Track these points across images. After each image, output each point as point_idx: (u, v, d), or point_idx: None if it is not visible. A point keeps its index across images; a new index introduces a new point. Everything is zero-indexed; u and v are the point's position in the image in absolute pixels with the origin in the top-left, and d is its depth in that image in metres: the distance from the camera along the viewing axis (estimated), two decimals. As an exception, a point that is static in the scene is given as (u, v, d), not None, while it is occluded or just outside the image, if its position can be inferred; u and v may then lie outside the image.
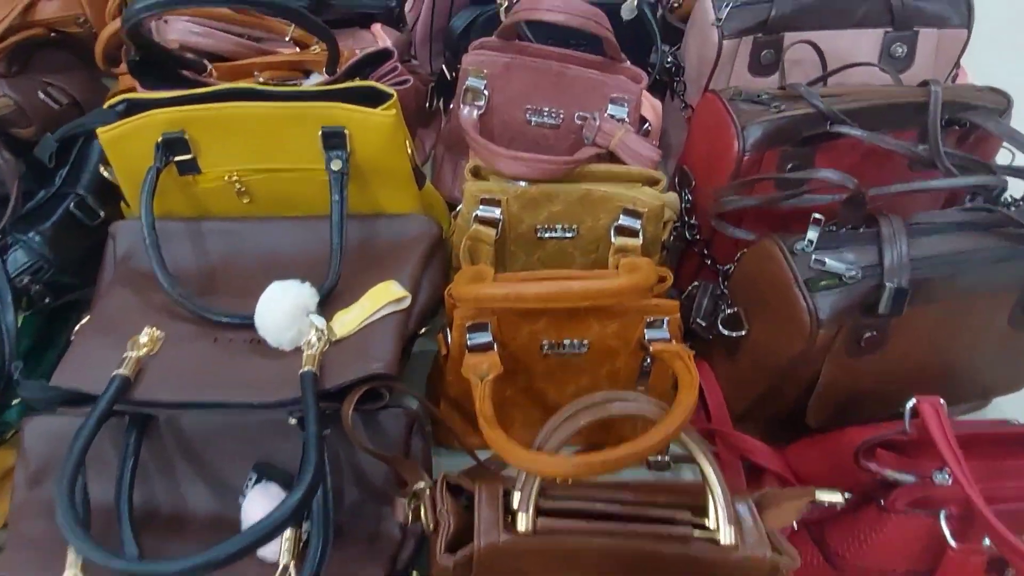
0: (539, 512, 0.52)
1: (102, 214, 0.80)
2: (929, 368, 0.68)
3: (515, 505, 0.53)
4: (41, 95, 0.84)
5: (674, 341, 0.67)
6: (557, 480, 0.55)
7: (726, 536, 0.51)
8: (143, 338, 0.65)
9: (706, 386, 0.75)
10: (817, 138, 0.71)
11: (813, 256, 0.62)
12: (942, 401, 0.57)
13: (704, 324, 0.72)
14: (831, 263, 0.61)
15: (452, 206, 0.87)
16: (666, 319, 0.67)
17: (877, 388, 0.67)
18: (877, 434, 0.59)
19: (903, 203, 0.71)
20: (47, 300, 0.76)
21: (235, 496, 0.65)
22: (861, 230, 0.65)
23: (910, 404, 0.57)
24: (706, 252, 0.81)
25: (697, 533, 0.52)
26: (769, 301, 0.65)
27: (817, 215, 0.63)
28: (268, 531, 0.49)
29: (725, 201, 0.70)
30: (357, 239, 0.77)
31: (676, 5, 0.97)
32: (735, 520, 0.52)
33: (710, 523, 0.53)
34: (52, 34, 0.90)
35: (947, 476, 0.58)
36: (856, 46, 0.86)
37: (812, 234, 0.63)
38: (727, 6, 0.84)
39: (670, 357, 0.62)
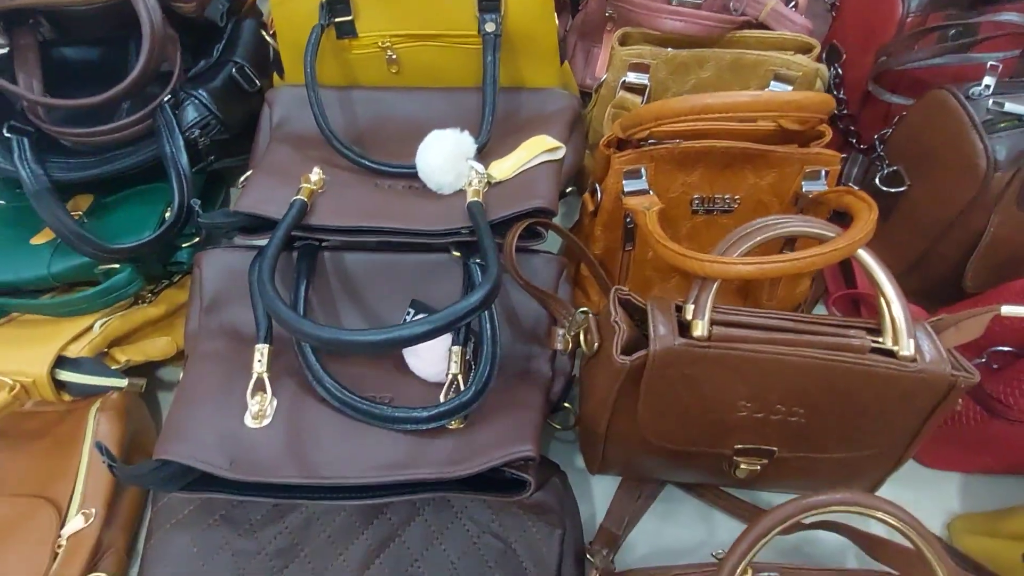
0: (713, 323, 0.53)
1: (259, 83, 0.84)
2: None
3: (688, 316, 0.53)
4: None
5: (832, 196, 0.66)
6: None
7: (905, 348, 0.51)
8: (313, 176, 0.68)
9: (854, 255, 0.74)
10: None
11: (991, 100, 0.60)
12: None
13: (857, 189, 0.71)
14: (1010, 106, 0.60)
15: (584, 95, 0.88)
16: (825, 170, 0.66)
17: (1045, 248, 0.65)
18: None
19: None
20: (211, 158, 0.80)
21: (393, 331, 0.68)
22: (1040, 80, 0.63)
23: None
24: (852, 128, 0.80)
25: (874, 345, 0.52)
26: (938, 150, 0.63)
27: (994, 62, 0.61)
28: (459, 315, 0.51)
29: (886, 60, 0.69)
30: (503, 109, 0.78)
31: None
32: (913, 334, 0.52)
33: (886, 340, 0.52)
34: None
35: None
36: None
37: (988, 80, 0.61)
38: None
39: (836, 196, 0.61)
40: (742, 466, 0.60)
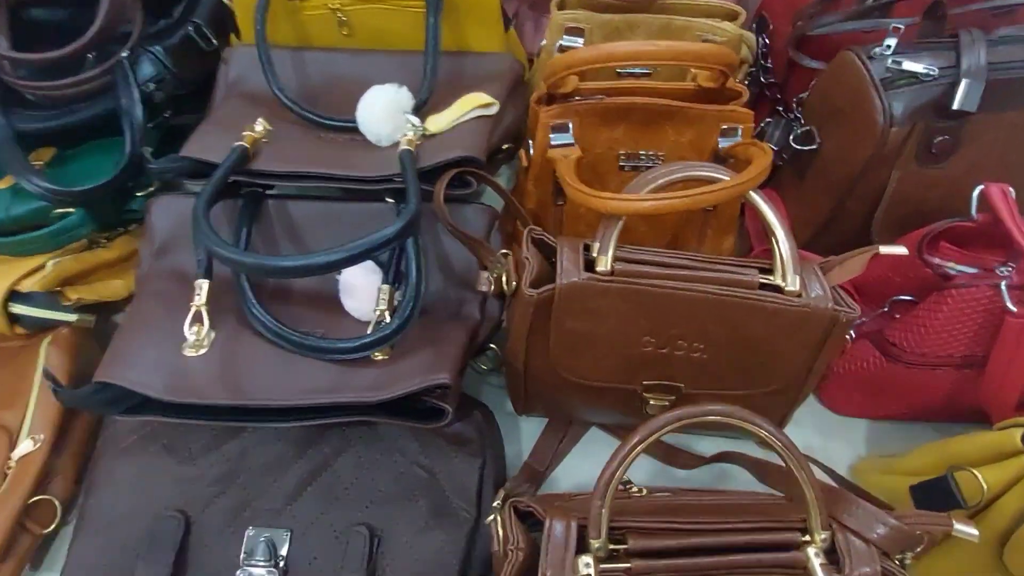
0: (616, 260, 0.57)
1: (216, 42, 0.87)
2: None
3: (595, 252, 0.57)
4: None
5: (747, 150, 0.70)
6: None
7: (790, 284, 0.55)
8: (257, 126, 0.72)
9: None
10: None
11: (890, 59, 0.64)
12: (1011, 189, 0.59)
13: (776, 149, 0.75)
14: (908, 64, 0.64)
15: (531, 63, 0.92)
16: (740, 127, 0.70)
17: (944, 204, 0.69)
18: (941, 222, 0.62)
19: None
20: (167, 114, 0.84)
21: (333, 277, 0.71)
22: (941, 39, 0.67)
23: (978, 189, 0.60)
24: (779, 96, 0.83)
25: (763, 280, 0.56)
26: (843, 108, 0.67)
27: (897, 24, 0.65)
28: (374, 244, 0.55)
29: (804, 24, 0.73)
30: (446, 71, 0.82)
31: None
32: (799, 271, 0.56)
33: (776, 277, 0.57)
34: None
35: (1009, 269, 0.61)
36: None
37: (890, 40, 0.65)
38: None
39: (744, 148, 0.65)
40: (651, 402, 0.64)
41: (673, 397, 0.64)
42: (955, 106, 0.62)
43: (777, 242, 0.55)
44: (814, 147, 0.71)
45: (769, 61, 0.83)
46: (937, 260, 0.63)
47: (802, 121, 0.74)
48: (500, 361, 0.73)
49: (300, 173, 0.68)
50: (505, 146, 0.79)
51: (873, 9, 0.70)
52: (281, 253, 0.73)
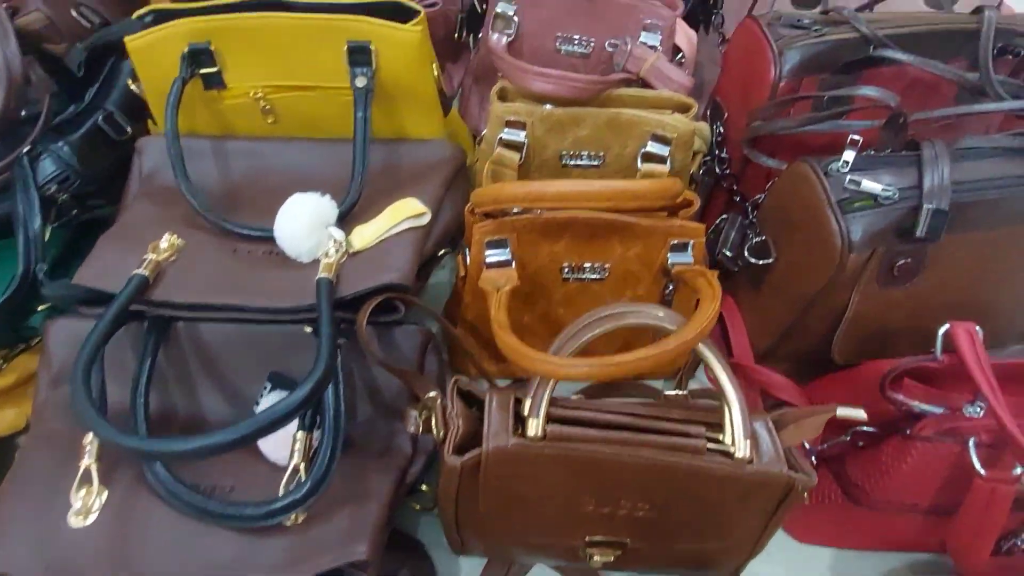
0: (550, 420, 0.51)
1: (129, 130, 0.80)
2: (965, 304, 0.65)
3: (526, 412, 0.52)
4: (73, 13, 0.84)
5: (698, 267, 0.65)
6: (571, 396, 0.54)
7: (741, 449, 0.50)
8: (163, 243, 0.65)
9: (730, 321, 0.74)
10: (859, 64, 0.68)
11: (848, 177, 0.59)
12: (978, 328, 0.55)
13: (731, 255, 0.70)
14: (867, 184, 0.59)
15: (477, 139, 0.86)
16: (691, 242, 0.65)
17: (908, 323, 0.65)
18: (904, 360, 0.57)
19: (949, 135, 0.68)
20: (74, 212, 0.77)
21: (250, 405, 0.65)
22: (902, 155, 0.62)
23: (943, 329, 0.55)
24: (735, 188, 0.78)
25: (711, 446, 0.50)
26: (799, 225, 0.62)
27: (855, 136, 0.61)
28: (273, 420, 0.49)
29: (758, 125, 0.68)
30: (380, 162, 0.76)
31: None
32: (751, 434, 0.50)
33: (725, 438, 0.51)
34: (85, -47, 0.90)
35: (978, 409, 0.56)
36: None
37: (848, 155, 0.60)
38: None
39: (692, 276, 0.60)
40: (595, 557, 0.59)
41: (619, 552, 0.58)
42: (918, 234, 0.58)
43: (728, 407, 0.50)
44: (770, 260, 0.66)
45: (724, 151, 0.78)
46: (901, 397, 0.58)
47: (757, 228, 0.68)
48: (434, 501, 0.67)
49: (205, 305, 0.61)
50: (442, 252, 0.74)
51: (830, 116, 0.65)
52: (196, 383, 0.67)
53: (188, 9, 0.71)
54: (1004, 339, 0.72)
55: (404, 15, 0.73)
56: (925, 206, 0.57)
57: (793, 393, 0.69)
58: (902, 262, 0.60)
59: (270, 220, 0.67)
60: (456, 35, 0.94)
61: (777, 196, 0.66)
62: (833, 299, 0.63)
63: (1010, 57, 0.70)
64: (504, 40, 0.83)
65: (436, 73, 0.76)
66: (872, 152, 0.63)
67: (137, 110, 0.82)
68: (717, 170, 0.78)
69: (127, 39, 0.71)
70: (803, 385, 0.71)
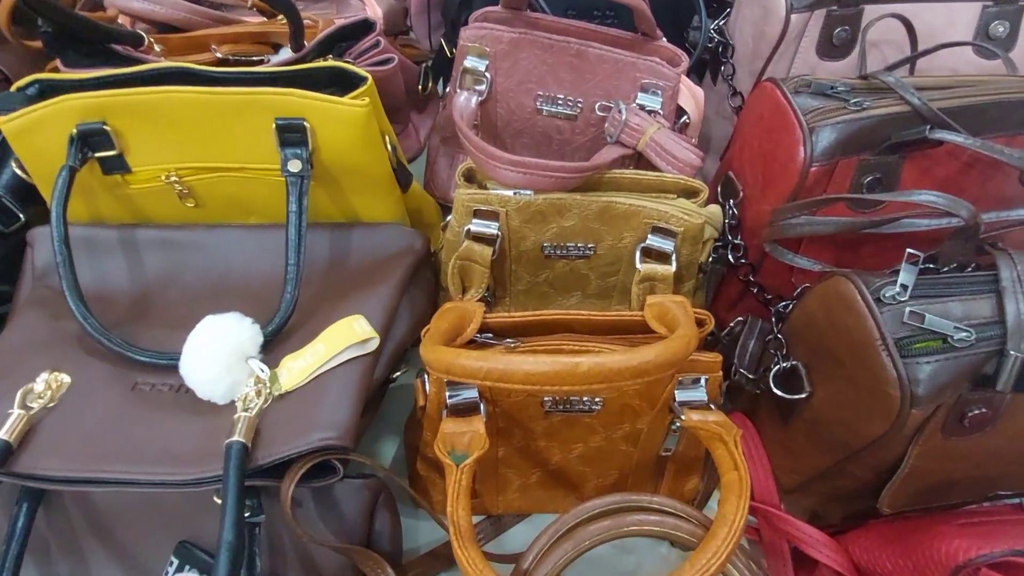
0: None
1: (22, 217, 0.66)
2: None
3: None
4: (-39, 72, 0.70)
5: (712, 406, 0.52)
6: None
7: None
8: (39, 385, 0.52)
9: (748, 451, 0.61)
10: (908, 145, 0.55)
11: (908, 309, 0.46)
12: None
13: (752, 377, 0.57)
14: (932, 319, 0.45)
15: (448, 209, 0.72)
16: (704, 378, 0.52)
17: (974, 472, 0.52)
18: (984, 554, 0.44)
19: (1018, 232, 0.55)
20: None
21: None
22: (970, 270, 0.49)
23: (1037, 523, 0.42)
24: (752, 279, 0.65)
25: None
26: (843, 360, 0.49)
27: (912, 251, 0.47)
28: None
29: (784, 225, 0.55)
30: (323, 255, 0.64)
31: (725, -32, 0.80)
32: None
33: None
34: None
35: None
36: (951, 23, 0.69)
37: (906, 277, 0.47)
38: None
39: (708, 438, 0.47)
40: None
41: None
42: (999, 388, 0.45)
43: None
44: (803, 396, 0.53)
45: (739, 237, 0.64)
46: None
47: (785, 349, 0.55)
48: None
49: (84, 479, 0.48)
50: (395, 375, 0.60)
51: (873, 224, 0.51)
52: (86, 553, 0.54)
53: (78, 80, 0.58)
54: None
55: (348, 82, 0.60)
56: (1013, 354, 0.44)
57: (829, 549, 0.56)
58: (975, 412, 0.47)
59: (184, 336, 0.54)
60: (421, 85, 0.81)
61: (811, 314, 0.53)
62: (886, 453, 0.50)
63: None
64: (474, 100, 0.69)
65: (389, 149, 0.63)
66: (933, 266, 0.50)
67: (33, 190, 0.68)
68: (730, 258, 0.65)
69: (0, 120, 0.57)
70: (840, 534, 0.58)
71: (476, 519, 0.65)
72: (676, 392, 0.52)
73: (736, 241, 0.65)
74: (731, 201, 0.65)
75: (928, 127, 0.53)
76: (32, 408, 0.50)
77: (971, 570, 0.45)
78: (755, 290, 0.66)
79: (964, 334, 0.45)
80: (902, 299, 0.47)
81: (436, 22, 0.89)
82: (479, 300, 0.63)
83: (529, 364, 0.39)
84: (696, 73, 0.85)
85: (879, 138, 0.55)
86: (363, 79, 0.59)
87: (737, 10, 0.75)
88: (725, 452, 0.44)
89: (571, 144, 0.71)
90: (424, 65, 0.80)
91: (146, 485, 0.48)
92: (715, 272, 0.69)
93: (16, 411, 0.49)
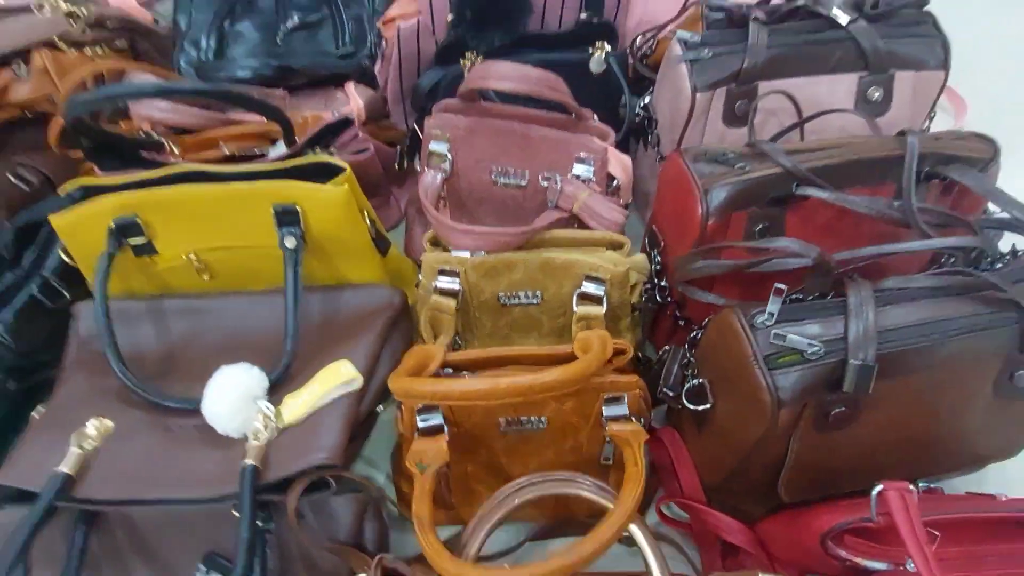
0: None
1: (68, 295, 0.80)
2: (912, 439, 0.64)
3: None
4: (11, 178, 0.85)
5: (634, 419, 0.64)
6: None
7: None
8: (90, 430, 0.64)
9: (677, 457, 0.72)
10: (782, 199, 0.68)
11: (773, 331, 0.58)
12: (911, 487, 0.53)
13: (672, 394, 0.69)
14: (792, 338, 0.58)
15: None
16: (625, 395, 0.64)
17: (855, 462, 0.63)
18: (841, 521, 0.55)
19: (881, 262, 0.67)
20: (10, 385, 0.76)
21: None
22: (829, 297, 0.62)
23: (876, 491, 0.54)
24: (680, 314, 0.78)
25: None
26: (730, 375, 0.61)
27: (779, 285, 0.60)
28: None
29: (690, 269, 0.67)
30: (317, 313, 0.76)
31: (647, 53, 0.94)
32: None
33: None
34: (27, 114, 0.91)
35: (924, 565, 0.54)
36: (832, 92, 0.83)
37: (773, 307, 0.59)
38: (699, 57, 0.80)
39: (621, 443, 0.59)
40: None
41: None
42: (846, 389, 0.56)
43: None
44: (707, 407, 0.65)
45: (664, 280, 0.77)
46: (844, 553, 0.56)
47: (695, 369, 0.67)
48: None
49: (131, 500, 0.60)
50: (380, 408, 0.73)
51: (752, 264, 0.64)
52: (128, 565, 0.65)
53: (113, 184, 0.72)
54: (957, 464, 0.70)
55: (331, 171, 0.74)
56: (851, 361, 0.56)
57: (745, 537, 0.67)
58: (837, 411, 0.59)
59: (203, 385, 0.67)
60: (397, 166, 0.95)
61: (710, 341, 0.65)
62: (771, 449, 0.61)
63: (939, 181, 0.69)
64: (439, 177, 0.83)
65: (368, 222, 0.76)
66: (799, 296, 0.62)
67: (76, 273, 0.82)
68: (658, 298, 0.78)
69: (52, 217, 0.71)
70: (756, 523, 0.69)
71: (455, 528, 0.76)
72: (603, 408, 0.64)
73: (662, 284, 0.77)
74: (656, 250, 0.78)
75: (796, 184, 0.66)
76: (85, 448, 0.63)
77: (836, 535, 0.57)
78: (683, 323, 0.78)
79: (815, 348, 0.57)
80: (769, 324, 0.59)
81: (411, 108, 1.04)
82: (448, 344, 0.75)
83: (463, 385, 0.51)
84: (635, 139, 0.98)
85: (761, 195, 0.68)
86: (342, 169, 0.73)
87: (657, 89, 0.89)
88: (631, 452, 0.56)
89: (524, 209, 0.84)
90: (400, 146, 0.94)
91: (179, 503, 0.60)
92: (648, 311, 0.81)
93: (73, 450, 0.62)
